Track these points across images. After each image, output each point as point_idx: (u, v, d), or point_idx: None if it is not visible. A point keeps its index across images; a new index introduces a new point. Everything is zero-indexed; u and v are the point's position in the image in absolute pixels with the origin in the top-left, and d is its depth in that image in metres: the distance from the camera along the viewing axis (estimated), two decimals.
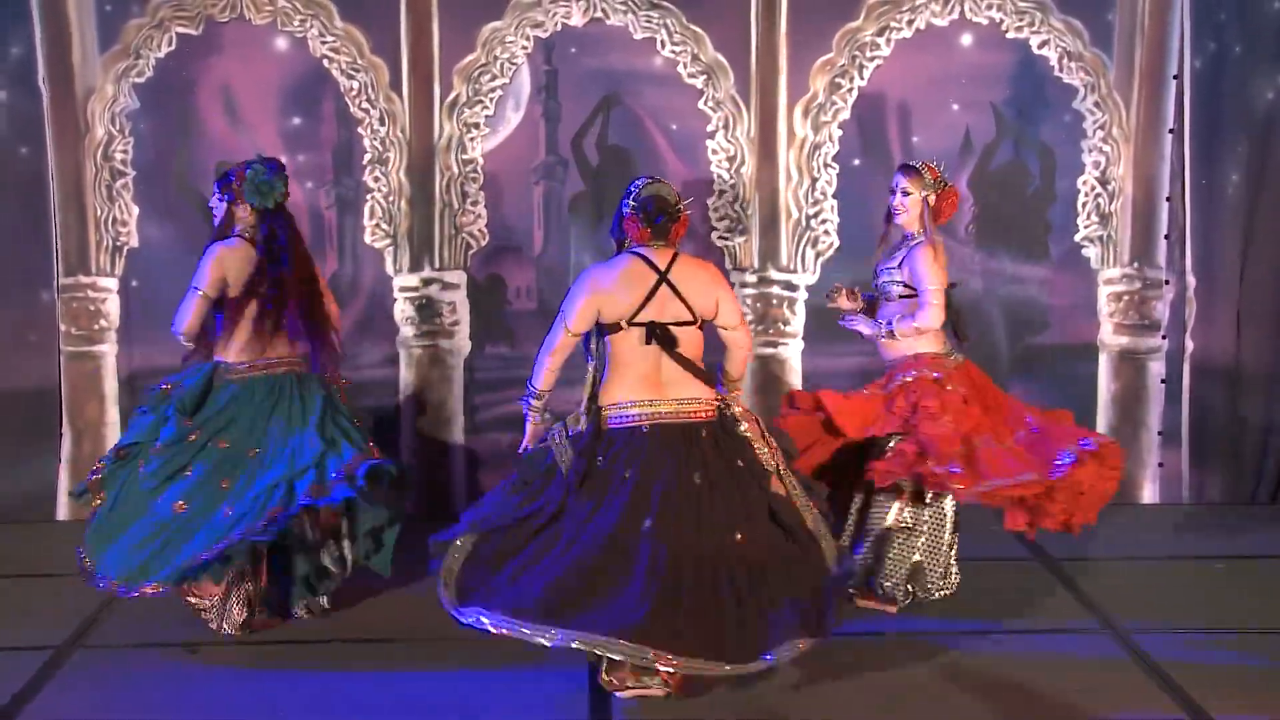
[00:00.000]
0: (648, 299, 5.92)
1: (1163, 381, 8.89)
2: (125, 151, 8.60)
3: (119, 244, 8.64)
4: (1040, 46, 8.67)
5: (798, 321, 8.83)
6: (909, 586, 6.92)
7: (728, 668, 5.58)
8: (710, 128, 8.70)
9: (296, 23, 8.56)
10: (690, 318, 5.98)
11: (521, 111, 8.72)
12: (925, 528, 6.91)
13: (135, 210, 8.64)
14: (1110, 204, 8.76)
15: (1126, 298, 8.82)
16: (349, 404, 7.00)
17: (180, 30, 8.54)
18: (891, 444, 6.78)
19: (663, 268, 5.96)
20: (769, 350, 8.78)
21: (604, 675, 5.82)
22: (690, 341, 6.00)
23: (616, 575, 5.64)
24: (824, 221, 8.76)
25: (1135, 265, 8.81)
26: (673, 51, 8.64)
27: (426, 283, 8.74)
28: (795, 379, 8.82)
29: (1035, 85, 8.72)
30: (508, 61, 8.65)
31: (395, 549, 6.79)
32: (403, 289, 8.75)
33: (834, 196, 8.75)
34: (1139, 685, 6.07)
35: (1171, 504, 8.86)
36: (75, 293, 8.66)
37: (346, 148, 8.69)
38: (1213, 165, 8.77)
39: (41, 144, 8.58)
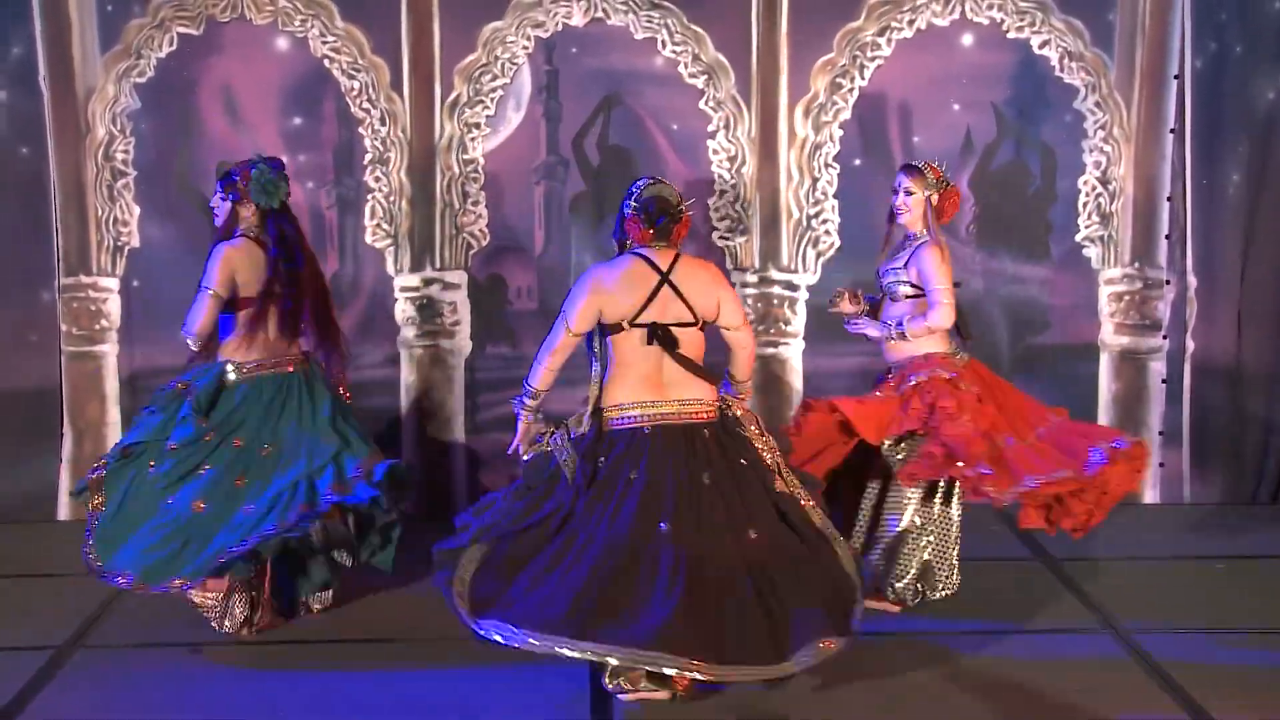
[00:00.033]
0: (649, 300, 5.92)
1: (1164, 381, 8.88)
2: (126, 151, 8.60)
3: (120, 244, 8.65)
4: (1041, 46, 8.67)
5: (799, 321, 8.82)
6: (918, 585, 6.92)
7: (763, 672, 5.60)
8: (711, 128, 8.70)
9: (297, 23, 8.56)
10: (692, 319, 5.97)
11: (522, 111, 8.72)
12: (933, 527, 6.90)
13: (136, 210, 8.64)
14: (1111, 204, 8.75)
15: (1127, 298, 8.81)
16: (350, 404, 7.03)
17: (181, 30, 8.54)
18: (902, 444, 6.78)
19: (665, 269, 5.95)
20: (770, 350, 8.77)
21: (608, 679, 5.82)
22: (691, 342, 5.99)
23: (640, 582, 5.62)
24: (825, 221, 8.76)
25: (1136, 265, 8.81)
26: (674, 51, 8.64)
27: (427, 283, 8.75)
28: (796, 379, 8.82)
29: (1036, 85, 8.72)
30: (509, 61, 8.64)
31: (396, 548, 6.83)
32: (404, 289, 8.75)
33: (835, 196, 8.75)
34: (1140, 685, 6.07)
35: (1173, 504, 8.85)
36: (76, 293, 8.66)
37: (347, 148, 8.69)
38: (1214, 165, 8.77)
39: (42, 144, 8.58)
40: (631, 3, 8.60)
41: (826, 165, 8.73)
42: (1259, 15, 8.70)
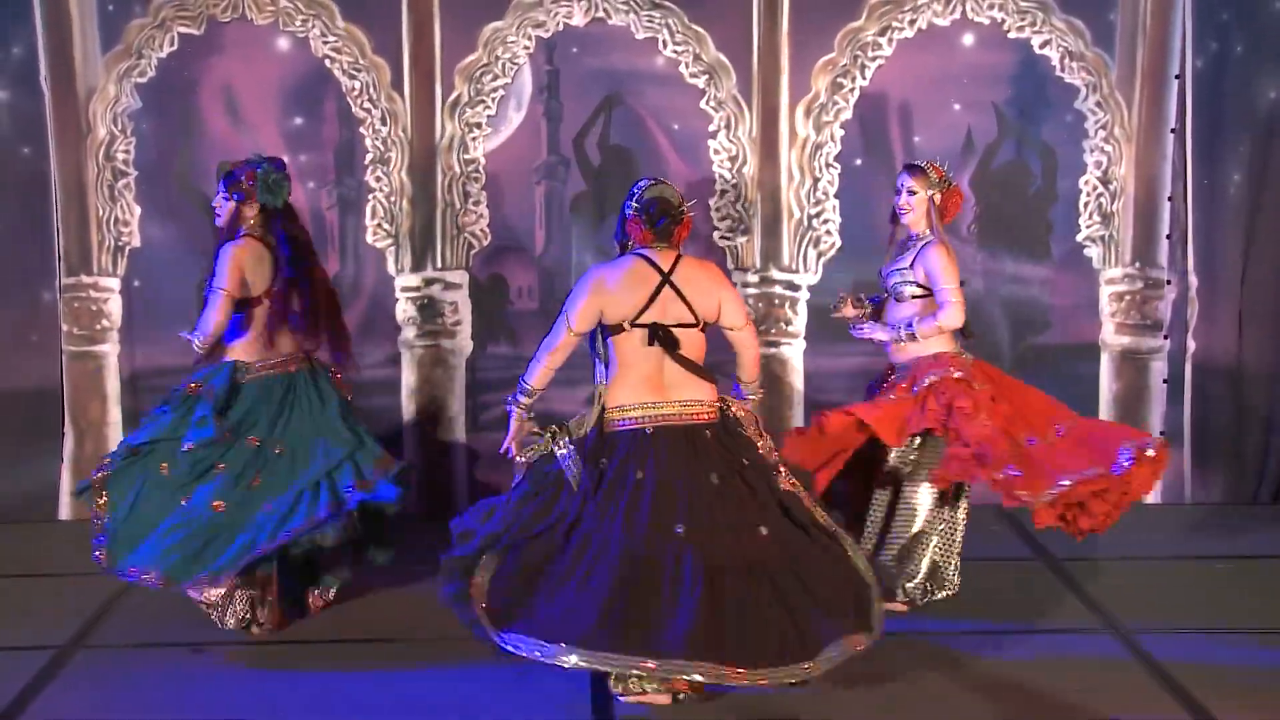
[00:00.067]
0: (650, 301, 5.91)
1: (1165, 381, 8.88)
2: (127, 151, 8.61)
3: (121, 244, 8.65)
4: (1042, 46, 8.66)
5: (800, 321, 8.82)
6: (927, 585, 6.92)
7: (794, 673, 5.59)
8: (712, 127, 8.70)
9: (298, 23, 8.56)
10: (693, 320, 5.96)
11: (523, 111, 8.72)
12: (943, 527, 6.90)
13: (137, 210, 8.64)
14: (1112, 204, 8.75)
15: (1128, 297, 8.81)
16: (351, 403, 7.04)
17: (182, 30, 8.55)
18: (914, 448, 6.78)
19: (666, 270, 5.95)
20: (771, 350, 8.77)
21: (613, 683, 5.82)
22: (693, 343, 5.98)
23: (663, 587, 5.61)
24: (826, 221, 8.76)
25: (1137, 265, 8.81)
26: (674, 51, 8.64)
27: (428, 283, 8.75)
28: (797, 379, 8.82)
29: (1037, 85, 8.72)
30: (509, 61, 8.65)
31: (395, 546, 6.87)
32: (405, 289, 8.75)
33: (836, 196, 8.75)
34: (1142, 686, 6.07)
35: (1174, 504, 8.84)
36: (77, 293, 8.67)
37: (348, 148, 8.70)
38: (1215, 165, 8.76)
39: (43, 144, 8.59)
40: (632, 2, 8.60)
41: (827, 165, 8.73)
42: (1260, 15, 8.70)
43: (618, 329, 5.93)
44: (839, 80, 8.68)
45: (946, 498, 6.89)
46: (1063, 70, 8.68)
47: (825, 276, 8.74)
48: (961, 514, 6.96)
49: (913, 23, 8.65)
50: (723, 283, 6.10)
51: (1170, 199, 8.76)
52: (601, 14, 8.62)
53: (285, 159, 7.00)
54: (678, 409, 5.94)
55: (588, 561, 5.68)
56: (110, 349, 8.72)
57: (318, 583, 6.96)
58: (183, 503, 6.52)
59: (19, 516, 8.68)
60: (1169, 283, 8.82)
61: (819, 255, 8.77)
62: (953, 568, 6.96)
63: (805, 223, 8.75)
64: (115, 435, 8.63)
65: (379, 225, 8.71)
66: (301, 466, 6.66)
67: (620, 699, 5.81)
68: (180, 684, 6.19)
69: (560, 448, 5.96)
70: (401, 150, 8.67)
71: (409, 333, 8.76)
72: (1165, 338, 8.86)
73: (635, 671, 5.64)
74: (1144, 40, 8.66)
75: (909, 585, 6.90)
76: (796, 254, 8.77)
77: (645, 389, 5.93)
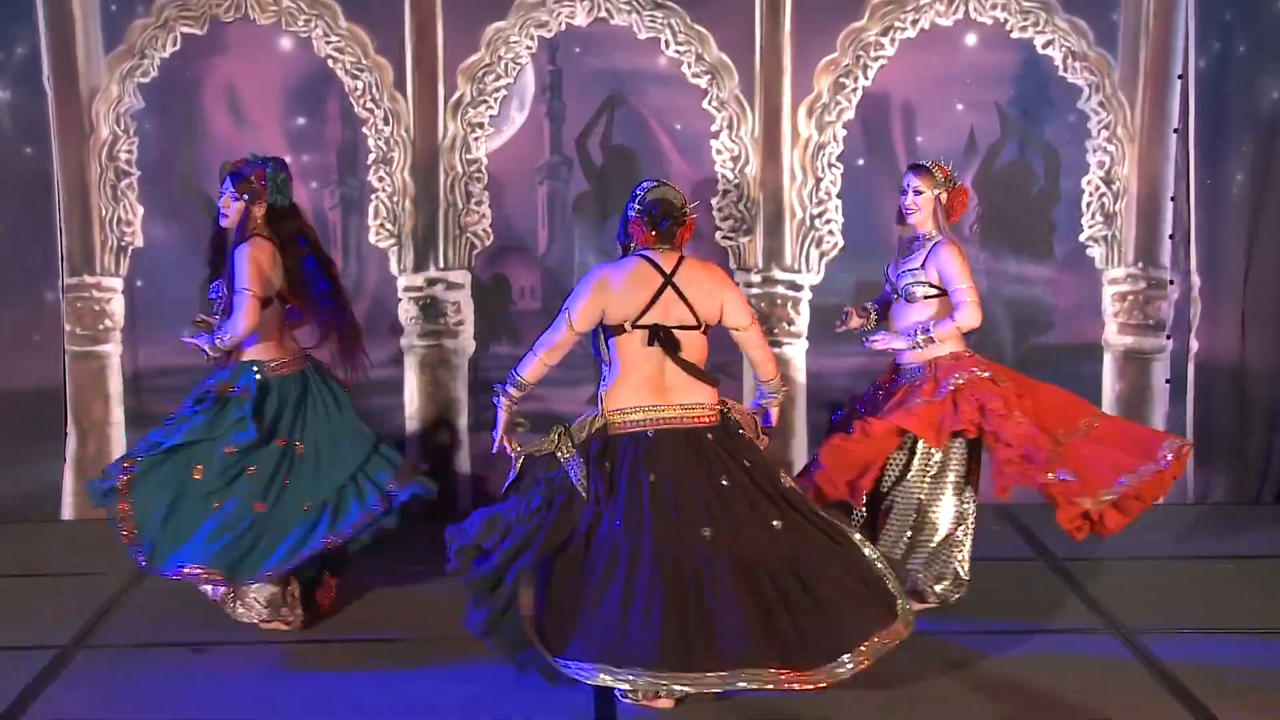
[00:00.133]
0: (652, 302, 5.90)
1: (1167, 382, 8.88)
2: (130, 151, 8.61)
3: (124, 244, 8.66)
4: (1045, 46, 8.66)
5: (802, 321, 8.82)
6: (955, 584, 6.92)
7: (841, 667, 5.61)
8: (714, 127, 8.70)
9: (301, 23, 8.56)
10: (694, 322, 5.96)
11: (526, 111, 8.72)
12: (966, 526, 6.89)
13: (140, 210, 8.65)
14: (1115, 204, 8.74)
15: (1131, 298, 8.81)
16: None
17: (185, 30, 8.55)
18: (935, 455, 6.78)
19: (668, 271, 5.94)
20: (773, 350, 8.73)
21: (628, 692, 5.81)
22: (694, 346, 5.97)
23: (707, 595, 5.59)
24: (828, 221, 8.75)
25: (1140, 265, 8.80)
26: (677, 51, 8.64)
27: (431, 282, 8.75)
28: (800, 379, 8.81)
29: (1040, 85, 8.71)
30: (512, 61, 8.65)
31: (395, 546, 6.87)
32: (407, 289, 8.76)
33: (838, 196, 8.74)
34: (1143, 686, 6.06)
35: (1176, 504, 8.81)
36: (80, 293, 8.67)
37: (351, 148, 8.70)
38: (1217, 165, 8.75)
39: (46, 144, 8.59)
40: (635, 3, 8.60)
41: (830, 165, 8.73)
42: (1263, 15, 8.69)
43: (619, 330, 5.92)
44: (841, 80, 8.68)
45: (964, 495, 6.87)
46: (1065, 70, 8.67)
47: (828, 276, 8.75)
48: (972, 507, 6.93)
49: (915, 23, 8.65)
50: (725, 284, 6.09)
51: (1173, 199, 8.75)
52: (604, 14, 8.62)
53: (288, 159, 7.02)
54: (679, 412, 5.93)
55: (621, 572, 5.64)
56: (113, 349, 8.72)
57: (320, 580, 6.96)
58: (216, 506, 6.55)
59: (20, 516, 8.68)
60: (1172, 283, 8.81)
61: (821, 255, 8.77)
62: (966, 562, 6.95)
63: (807, 223, 8.75)
64: (118, 435, 8.65)
65: (381, 225, 8.72)
66: (328, 465, 6.72)
67: (623, 700, 5.81)
68: (181, 684, 6.19)
69: (564, 452, 5.95)
70: (404, 150, 8.67)
71: (411, 332, 8.76)
72: (1168, 338, 8.85)
73: (698, 690, 5.59)
74: (1147, 40, 8.66)
75: (938, 588, 6.89)
76: (799, 254, 8.77)
77: (646, 391, 5.92)
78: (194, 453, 6.63)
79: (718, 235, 8.76)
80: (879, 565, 5.94)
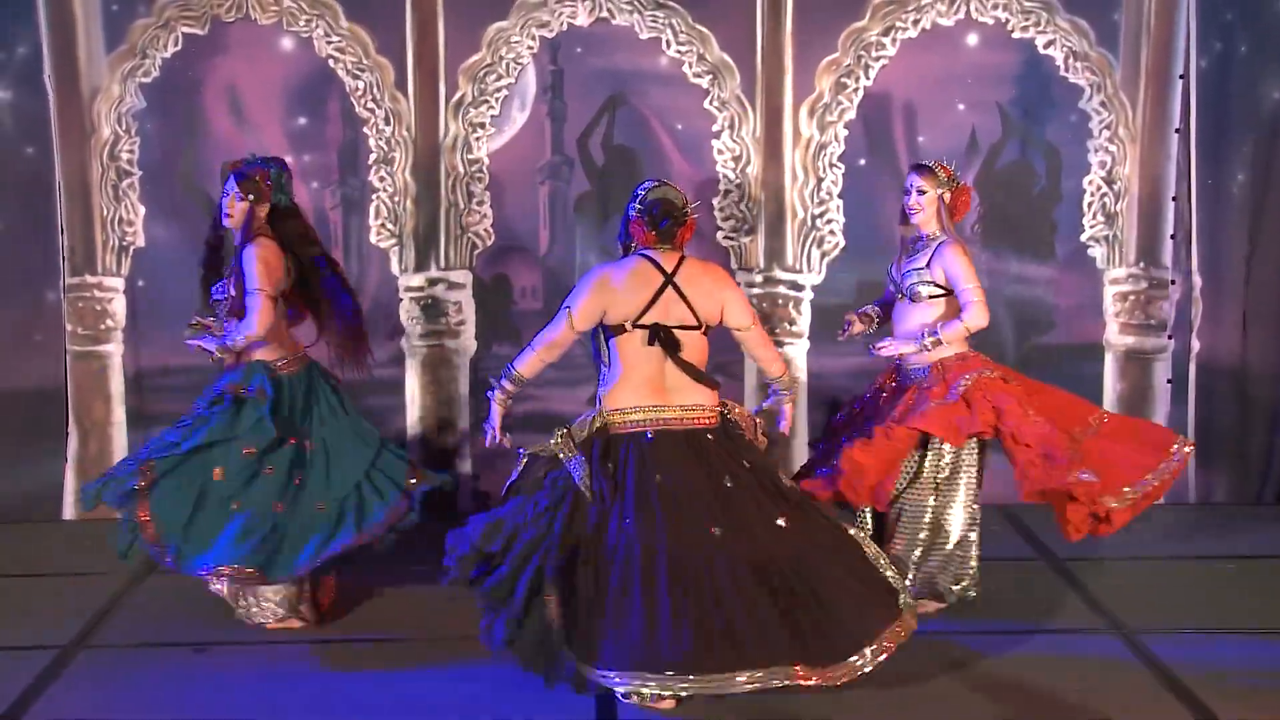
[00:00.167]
0: (653, 301, 5.91)
1: (1169, 382, 8.87)
2: (131, 151, 8.61)
3: (125, 244, 8.66)
4: (1046, 46, 8.65)
5: (803, 321, 8.82)
6: (971, 582, 6.92)
7: (859, 660, 5.66)
8: (716, 127, 8.70)
9: (302, 23, 8.56)
10: (695, 322, 5.96)
11: (527, 111, 8.72)
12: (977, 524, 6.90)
13: (141, 210, 8.65)
14: (1116, 204, 8.74)
15: (1132, 298, 8.80)
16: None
17: (186, 30, 8.55)
18: (947, 456, 6.77)
19: (669, 271, 5.95)
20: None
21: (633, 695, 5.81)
22: (694, 347, 5.98)
23: (726, 598, 5.60)
24: (829, 221, 8.75)
25: (1141, 265, 8.80)
26: (678, 51, 8.64)
27: (432, 282, 8.75)
28: (801, 379, 8.80)
29: (1041, 85, 8.71)
30: (513, 61, 8.65)
31: (395, 545, 6.84)
32: (408, 289, 8.76)
33: (840, 196, 8.74)
34: (1144, 686, 6.06)
35: (1177, 504, 8.81)
36: (81, 292, 8.67)
37: (352, 147, 8.70)
38: (1219, 165, 8.75)
39: (47, 144, 8.59)
40: (636, 2, 8.59)
41: (831, 165, 8.72)
42: (1265, 15, 8.69)
43: (619, 330, 5.93)
44: (843, 80, 8.67)
45: (974, 496, 6.86)
46: (1067, 70, 8.67)
47: (829, 276, 8.75)
48: (978, 506, 6.92)
49: (916, 23, 8.65)
50: (726, 284, 6.09)
51: (1174, 199, 8.75)
52: (605, 14, 8.62)
53: (289, 159, 7.04)
54: (679, 413, 5.94)
55: (639, 576, 5.63)
56: (114, 349, 8.72)
57: (320, 580, 6.97)
58: (235, 507, 6.56)
59: (21, 516, 8.68)
60: (1173, 283, 8.81)
61: (823, 255, 8.77)
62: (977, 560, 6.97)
63: (809, 223, 8.75)
64: (119, 435, 8.66)
65: (383, 225, 8.72)
66: (338, 463, 6.74)
67: (625, 700, 5.80)
68: (182, 684, 6.19)
69: (567, 452, 5.95)
70: (405, 150, 8.67)
71: (413, 332, 8.76)
72: (1169, 338, 8.85)
73: (727, 693, 5.59)
74: (1148, 40, 8.65)
75: (956, 588, 6.88)
76: (800, 254, 8.76)
77: (647, 391, 5.93)
78: (212, 455, 6.64)
79: (719, 235, 8.76)
80: (880, 562, 5.98)
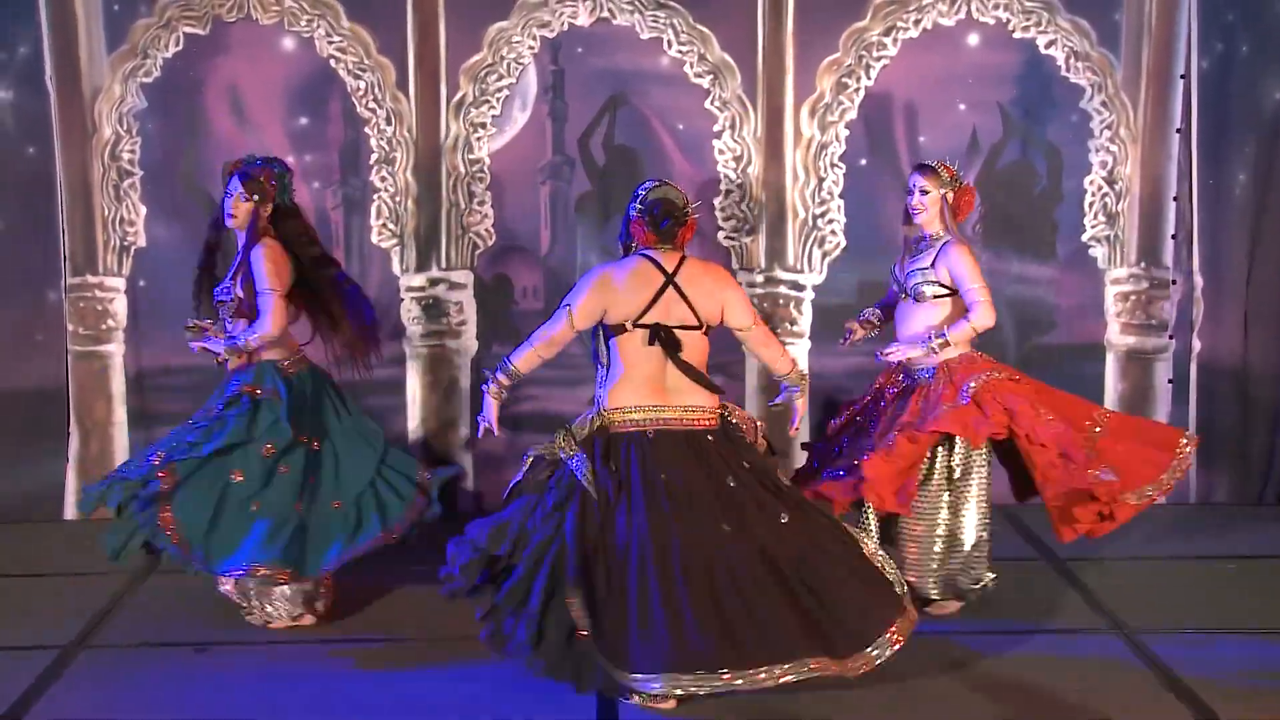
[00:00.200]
0: (654, 301, 5.92)
1: (1170, 382, 8.87)
2: (133, 151, 8.62)
3: (126, 244, 8.66)
4: (1047, 46, 8.65)
5: (805, 321, 8.82)
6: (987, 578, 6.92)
7: (873, 652, 5.71)
8: (717, 127, 8.70)
9: (303, 23, 8.57)
10: (695, 322, 5.96)
11: (528, 111, 8.72)
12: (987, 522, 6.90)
13: (143, 210, 8.65)
14: (1117, 204, 8.74)
15: (1133, 298, 8.80)
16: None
17: (188, 30, 8.56)
18: (957, 457, 6.76)
19: (670, 270, 5.95)
20: None
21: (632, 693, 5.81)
22: (694, 347, 5.98)
23: (744, 593, 5.62)
24: (831, 221, 8.75)
25: (1142, 265, 8.80)
26: (679, 51, 8.64)
27: (433, 282, 8.75)
28: None
29: (1042, 85, 8.71)
30: (514, 61, 8.65)
31: (396, 546, 6.85)
32: (409, 289, 8.76)
33: (841, 196, 8.74)
34: (1145, 686, 6.06)
35: (1178, 504, 8.81)
36: (82, 292, 8.68)
37: (353, 148, 8.70)
38: (1220, 165, 8.75)
39: (49, 144, 8.60)
40: (637, 3, 8.60)
41: (832, 165, 8.72)
42: (1266, 16, 8.68)
43: (620, 329, 5.93)
44: (844, 80, 8.67)
45: (985, 497, 6.85)
46: (1068, 70, 8.67)
47: (830, 276, 8.75)
48: (988, 505, 6.92)
49: (918, 23, 8.65)
50: (727, 284, 6.10)
51: (1175, 199, 8.75)
52: (606, 14, 8.62)
53: (290, 159, 7.05)
54: (680, 413, 5.95)
55: (656, 576, 5.63)
56: (115, 349, 8.73)
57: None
58: (254, 509, 6.56)
59: (22, 516, 8.69)
60: (1174, 283, 8.81)
61: (824, 255, 8.77)
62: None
63: (810, 223, 8.75)
64: (120, 435, 8.67)
65: (384, 225, 8.72)
66: (347, 461, 6.78)
67: (626, 701, 5.81)
68: (182, 684, 6.19)
69: (569, 450, 5.95)
70: (406, 150, 8.67)
71: (414, 332, 8.77)
72: (1170, 338, 8.85)
73: (753, 688, 5.59)
74: (1149, 40, 8.65)
75: (976, 586, 6.88)
76: (801, 254, 8.76)
77: (647, 391, 5.94)
78: (231, 458, 6.64)
79: (720, 235, 8.76)
80: (878, 558, 5.99)
